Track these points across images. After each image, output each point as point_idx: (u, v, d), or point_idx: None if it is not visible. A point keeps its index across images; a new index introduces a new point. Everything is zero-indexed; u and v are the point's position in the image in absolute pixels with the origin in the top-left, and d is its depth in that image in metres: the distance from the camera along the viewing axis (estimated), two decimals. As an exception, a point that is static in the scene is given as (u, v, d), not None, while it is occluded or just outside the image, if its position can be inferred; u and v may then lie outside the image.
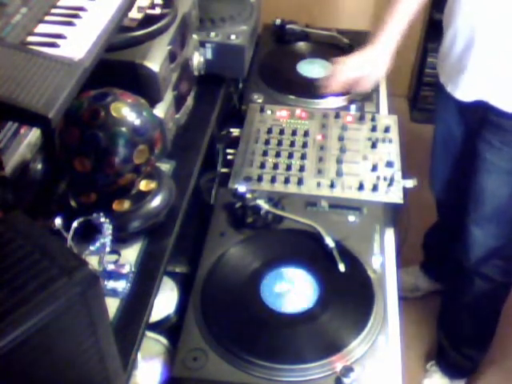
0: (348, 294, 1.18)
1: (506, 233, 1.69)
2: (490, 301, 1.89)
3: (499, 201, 1.63)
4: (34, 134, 1.10)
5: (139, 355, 1.06)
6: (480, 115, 1.55)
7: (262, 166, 1.46)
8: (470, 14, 1.48)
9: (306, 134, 1.56)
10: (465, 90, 1.57)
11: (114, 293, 1.04)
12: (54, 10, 0.94)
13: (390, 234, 1.40)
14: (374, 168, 1.46)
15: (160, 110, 1.25)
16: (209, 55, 1.55)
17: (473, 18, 1.47)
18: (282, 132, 1.56)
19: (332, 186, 1.41)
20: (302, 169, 1.46)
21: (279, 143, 1.53)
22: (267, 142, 1.53)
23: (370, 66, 1.63)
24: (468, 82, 1.55)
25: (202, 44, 1.52)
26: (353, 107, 1.65)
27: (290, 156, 1.49)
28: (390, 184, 1.41)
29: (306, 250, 1.27)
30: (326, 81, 1.66)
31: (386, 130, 1.58)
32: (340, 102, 1.68)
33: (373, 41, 1.64)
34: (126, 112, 1.05)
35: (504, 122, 1.51)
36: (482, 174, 1.62)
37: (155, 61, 1.21)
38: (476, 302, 1.88)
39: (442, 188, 1.92)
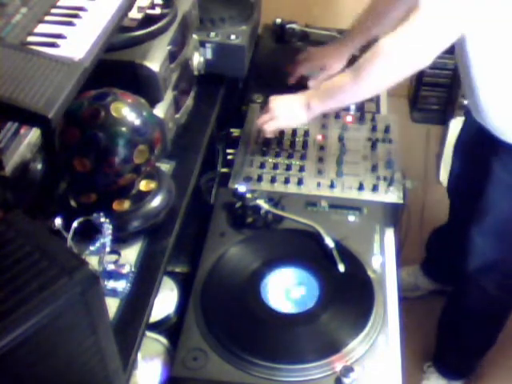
0: (348, 294, 1.18)
1: (505, 247, 1.68)
2: (488, 310, 1.87)
3: (501, 214, 1.62)
4: (34, 134, 1.10)
5: (139, 355, 1.06)
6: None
7: (262, 165, 1.46)
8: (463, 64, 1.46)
9: (305, 134, 1.56)
10: (475, 112, 1.55)
11: (113, 293, 1.04)
12: (53, 10, 0.95)
13: (389, 234, 1.40)
14: (374, 168, 1.46)
15: (160, 110, 1.25)
16: (209, 55, 1.55)
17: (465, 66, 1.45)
18: (281, 132, 1.56)
19: (332, 186, 1.41)
20: (301, 169, 1.46)
21: (279, 143, 1.53)
22: (267, 142, 1.53)
23: (324, 63, 1.68)
24: (477, 109, 1.53)
25: (202, 44, 1.52)
26: (353, 107, 1.65)
27: (290, 156, 1.49)
28: (390, 184, 1.41)
29: (306, 250, 1.27)
30: (290, 68, 1.72)
31: (386, 130, 1.58)
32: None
33: (338, 40, 1.72)
34: (126, 112, 1.05)
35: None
36: (489, 185, 1.60)
37: (155, 61, 1.21)
38: (474, 309, 1.86)
39: (456, 190, 1.91)
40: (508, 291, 1.81)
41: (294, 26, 1.94)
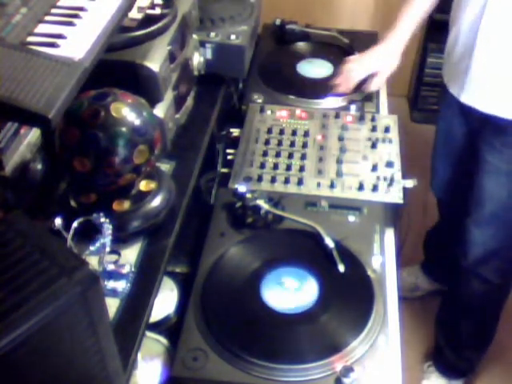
0: (348, 293, 1.18)
1: (504, 234, 1.68)
2: (488, 303, 1.88)
3: (498, 202, 1.63)
4: (34, 134, 1.10)
5: (139, 355, 1.06)
6: (482, 117, 1.55)
7: (262, 165, 1.46)
8: (471, 18, 1.47)
9: (306, 134, 1.56)
10: (466, 93, 1.56)
11: (113, 293, 1.04)
12: (54, 10, 0.94)
13: (390, 234, 1.40)
14: (374, 168, 1.46)
15: (160, 110, 1.25)
16: (209, 55, 1.55)
17: (474, 23, 1.47)
18: (282, 132, 1.56)
19: (332, 186, 1.41)
20: (301, 169, 1.46)
21: (279, 143, 1.53)
22: (267, 142, 1.53)
23: (378, 65, 1.64)
24: (469, 87, 1.54)
25: (202, 44, 1.52)
26: (353, 107, 1.65)
27: (290, 156, 1.49)
28: (390, 184, 1.41)
29: (306, 249, 1.27)
30: (335, 80, 1.67)
31: (386, 130, 1.58)
32: (340, 102, 1.68)
33: (383, 40, 1.66)
34: (126, 112, 1.05)
35: (506, 125, 1.51)
36: (483, 175, 1.61)
37: (155, 61, 1.21)
38: (474, 303, 1.87)
39: (443, 187, 1.92)
40: (508, 276, 1.81)
41: (293, 26, 1.93)
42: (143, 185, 1.17)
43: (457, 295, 1.91)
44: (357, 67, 1.66)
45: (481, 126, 1.58)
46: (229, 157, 1.52)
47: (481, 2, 1.43)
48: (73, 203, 1.14)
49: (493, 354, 2.05)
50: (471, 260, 1.75)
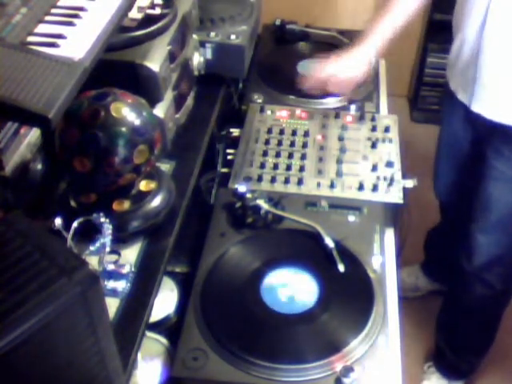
0: (348, 293, 1.18)
1: (509, 240, 1.68)
2: (490, 306, 1.88)
3: (505, 209, 1.62)
4: (34, 134, 1.10)
5: (139, 355, 1.06)
6: (490, 124, 1.54)
7: (262, 165, 1.46)
8: (477, 23, 1.46)
9: (306, 134, 1.56)
10: (477, 102, 1.54)
11: (113, 293, 1.04)
12: (54, 10, 0.94)
13: (389, 234, 1.40)
14: (374, 168, 1.46)
15: (160, 110, 1.25)
16: (209, 55, 1.55)
17: (478, 30, 1.45)
18: (282, 132, 1.56)
19: (332, 186, 1.41)
20: (301, 169, 1.46)
21: (279, 143, 1.53)
22: (267, 142, 1.53)
23: (349, 69, 1.59)
24: (478, 95, 1.53)
25: (202, 44, 1.52)
26: (353, 107, 1.65)
27: (290, 156, 1.49)
28: (390, 184, 1.41)
29: (306, 249, 1.27)
30: (305, 78, 1.64)
31: (386, 129, 1.58)
32: (340, 101, 1.68)
33: (356, 44, 1.61)
34: (126, 112, 1.05)
35: None
36: (489, 181, 1.60)
37: (155, 61, 1.21)
38: (475, 306, 1.87)
39: (445, 191, 1.92)
40: (511, 282, 1.81)
41: (293, 26, 1.94)
42: (143, 185, 1.17)
43: (458, 298, 1.91)
44: (327, 69, 1.59)
45: (488, 132, 1.56)
46: (229, 157, 1.52)
47: (483, 9, 1.42)
48: (73, 203, 1.14)
49: (493, 355, 2.05)
50: (475, 265, 1.74)
